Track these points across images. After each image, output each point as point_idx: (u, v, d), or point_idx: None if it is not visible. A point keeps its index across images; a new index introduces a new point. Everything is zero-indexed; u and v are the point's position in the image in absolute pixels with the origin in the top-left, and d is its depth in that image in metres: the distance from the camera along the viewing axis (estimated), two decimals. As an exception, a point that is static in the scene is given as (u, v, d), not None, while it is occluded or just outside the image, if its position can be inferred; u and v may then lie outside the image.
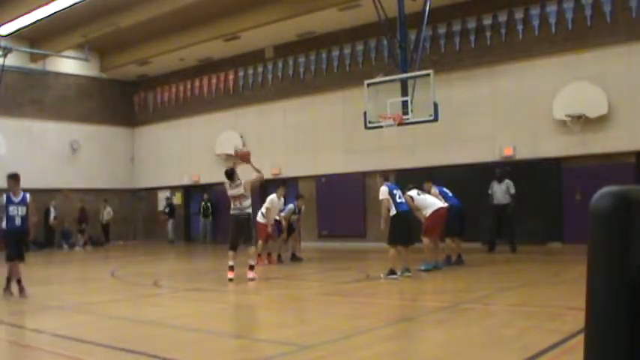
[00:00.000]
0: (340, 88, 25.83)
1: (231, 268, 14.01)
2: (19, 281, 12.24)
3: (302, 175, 27.26)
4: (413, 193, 15.31)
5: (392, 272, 13.54)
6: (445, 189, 16.76)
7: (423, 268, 14.79)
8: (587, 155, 20.37)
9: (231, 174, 14.83)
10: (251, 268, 14.18)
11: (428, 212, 15.10)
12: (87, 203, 31.12)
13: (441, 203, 15.56)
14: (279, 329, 8.73)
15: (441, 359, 6.71)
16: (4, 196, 12.41)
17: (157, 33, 27.71)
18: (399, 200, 14.06)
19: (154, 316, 10.15)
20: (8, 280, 12.36)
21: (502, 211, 19.25)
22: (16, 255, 12.25)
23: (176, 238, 31.99)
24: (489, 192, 19.58)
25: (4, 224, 12.35)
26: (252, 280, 13.90)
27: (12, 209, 12.34)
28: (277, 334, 8.26)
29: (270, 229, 18.03)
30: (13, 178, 12.71)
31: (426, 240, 15.03)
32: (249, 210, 14.72)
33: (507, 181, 19.33)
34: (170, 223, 31.62)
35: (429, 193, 15.97)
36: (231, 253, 14.09)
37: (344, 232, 25.29)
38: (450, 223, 15.58)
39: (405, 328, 8.52)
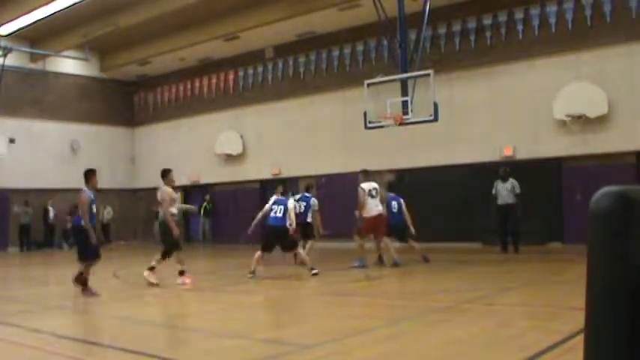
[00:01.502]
0: (340, 88, 25.85)
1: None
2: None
3: (302, 175, 27.24)
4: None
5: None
6: (396, 203, 17.10)
7: (355, 264, 16.07)
8: (587, 155, 20.39)
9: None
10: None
11: (364, 214, 15.93)
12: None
13: (376, 211, 15.96)
14: (279, 329, 8.73)
15: (440, 359, 6.71)
16: (90, 194, 12.33)
17: (157, 33, 27.73)
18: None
19: (154, 316, 10.16)
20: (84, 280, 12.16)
21: (507, 211, 18.72)
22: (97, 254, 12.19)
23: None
24: (493, 192, 19.09)
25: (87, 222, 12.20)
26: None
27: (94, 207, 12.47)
28: (277, 334, 8.27)
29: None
30: (94, 172, 13.10)
31: (356, 238, 16.37)
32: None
33: (512, 180, 18.84)
34: (204, 223, 31.25)
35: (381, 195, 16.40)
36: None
37: (344, 232, 25.26)
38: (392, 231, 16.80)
39: (405, 328, 8.52)
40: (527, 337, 7.57)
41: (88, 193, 12.28)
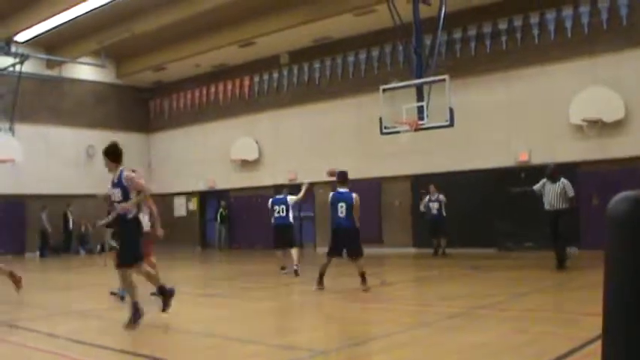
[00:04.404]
0: (355, 93, 25.83)
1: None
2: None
3: (318, 181, 27.21)
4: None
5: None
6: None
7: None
8: (603, 160, 20.27)
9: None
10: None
11: None
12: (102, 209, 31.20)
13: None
14: (293, 335, 8.72)
15: (456, 365, 6.68)
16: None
17: (172, 39, 27.81)
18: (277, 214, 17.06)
19: (169, 322, 10.15)
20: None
21: (556, 219, 15.55)
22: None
23: (192, 243, 32.12)
24: (538, 193, 16.00)
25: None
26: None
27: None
28: (292, 340, 8.25)
29: None
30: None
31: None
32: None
33: (564, 180, 15.69)
34: (220, 229, 31.31)
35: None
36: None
37: (360, 237, 25.17)
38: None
39: (420, 334, 8.48)
40: (543, 343, 7.53)
41: None
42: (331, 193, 13.34)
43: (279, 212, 17.12)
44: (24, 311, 11.30)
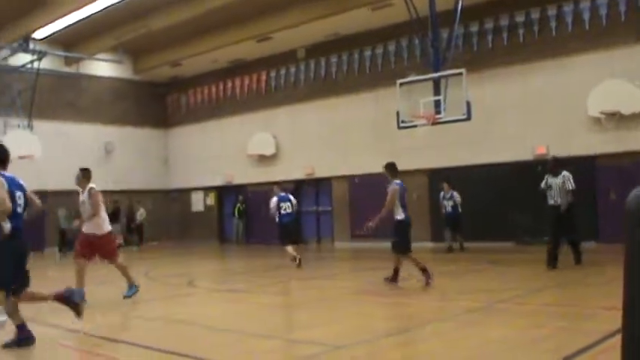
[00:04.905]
0: (372, 88, 25.79)
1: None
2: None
3: (335, 175, 27.27)
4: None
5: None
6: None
7: None
8: (621, 153, 20.14)
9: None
10: None
11: None
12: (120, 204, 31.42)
13: None
14: (312, 329, 8.72)
15: (475, 360, 6.67)
16: None
17: (189, 35, 27.86)
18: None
19: (187, 317, 10.20)
20: None
21: (560, 214, 14.78)
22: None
23: (210, 238, 32.26)
24: (543, 187, 15.17)
25: None
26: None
27: None
28: (311, 335, 8.25)
29: None
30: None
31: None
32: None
33: (565, 173, 14.94)
34: (238, 224, 31.36)
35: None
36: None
37: (377, 232, 25.12)
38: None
39: (438, 329, 8.48)
40: (562, 337, 7.51)
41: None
42: (399, 183, 13.07)
43: (285, 209, 17.86)
44: (45, 306, 11.34)
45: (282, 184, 19.30)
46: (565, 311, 9.70)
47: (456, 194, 21.17)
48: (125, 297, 11.92)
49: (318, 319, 9.74)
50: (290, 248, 17.53)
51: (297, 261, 17.04)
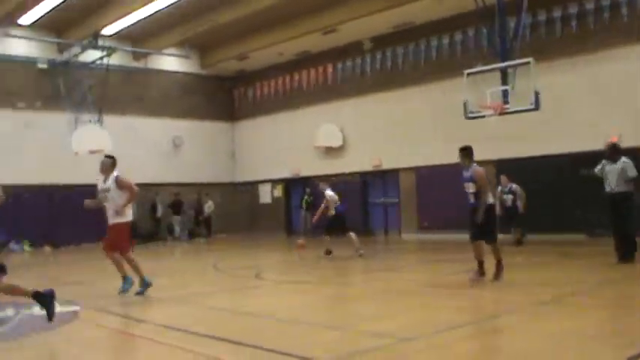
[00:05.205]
0: (439, 78, 25.53)
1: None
2: None
3: (402, 167, 27.14)
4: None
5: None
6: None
7: None
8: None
9: None
10: None
11: None
12: (183, 197, 31.86)
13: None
14: (377, 321, 8.70)
15: (542, 353, 6.56)
16: None
17: (255, 28, 28.04)
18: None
19: (255, 308, 10.27)
20: None
21: (616, 203, 13.95)
22: None
23: (277, 230, 32.46)
24: (599, 174, 14.41)
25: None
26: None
27: None
28: (377, 327, 8.23)
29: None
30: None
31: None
32: None
33: (624, 159, 14.01)
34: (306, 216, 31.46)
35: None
36: None
37: (444, 223, 24.98)
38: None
39: (507, 322, 8.38)
40: (635, 333, 7.34)
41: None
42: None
43: (340, 202, 18.89)
44: (117, 297, 11.57)
45: (329, 180, 20.48)
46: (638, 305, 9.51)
47: (515, 187, 20.44)
48: (121, 292, 11.65)
49: (384, 311, 9.72)
50: (354, 236, 18.27)
51: (330, 254, 18.41)
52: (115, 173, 11.95)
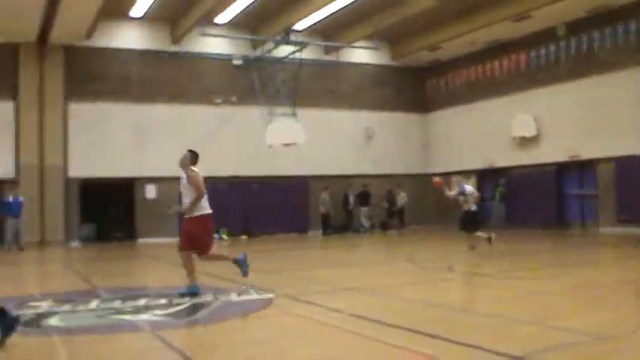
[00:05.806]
0: (639, 64, 24.32)
1: None
2: None
3: (600, 157, 26.03)
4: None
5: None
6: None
7: None
8: None
9: None
10: None
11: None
12: (374, 187, 32.07)
13: None
14: (573, 317, 8.47)
15: None
16: None
17: (445, 18, 27.94)
18: None
19: (447, 300, 10.25)
20: None
21: None
22: None
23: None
24: None
25: None
26: None
27: None
28: (572, 323, 8.01)
29: None
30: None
31: None
32: None
33: None
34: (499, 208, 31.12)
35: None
36: None
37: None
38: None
39: None
40: None
41: None
42: None
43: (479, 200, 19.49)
44: (308, 286, 11.88)
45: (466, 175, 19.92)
46: None
47: None
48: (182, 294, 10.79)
49: (581, 307, 9.44)
50: (481, 234, 18.55)
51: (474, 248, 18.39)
52: (192, 168, 11.06)
